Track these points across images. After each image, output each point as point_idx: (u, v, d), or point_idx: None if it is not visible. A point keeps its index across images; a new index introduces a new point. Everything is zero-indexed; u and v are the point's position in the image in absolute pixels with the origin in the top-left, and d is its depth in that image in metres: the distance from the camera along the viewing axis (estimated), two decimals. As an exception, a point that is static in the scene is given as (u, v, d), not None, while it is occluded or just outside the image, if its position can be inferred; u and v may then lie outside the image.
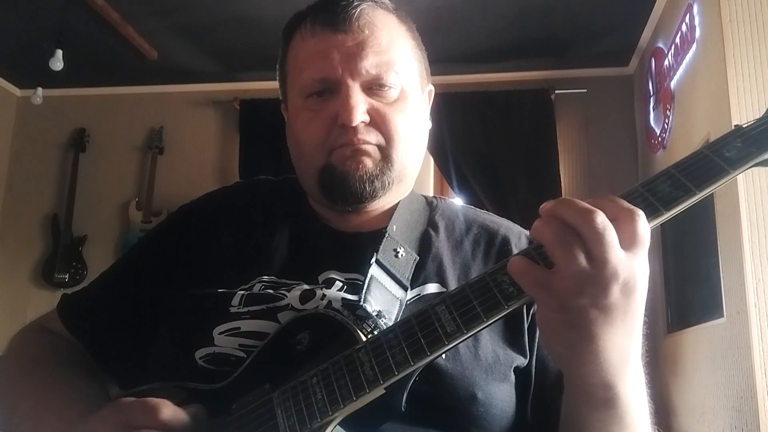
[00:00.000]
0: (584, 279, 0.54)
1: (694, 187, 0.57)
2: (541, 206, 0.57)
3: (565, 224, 0.55)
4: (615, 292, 0.55)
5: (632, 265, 0.55)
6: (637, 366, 0.64)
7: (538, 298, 0.57)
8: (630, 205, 0.56)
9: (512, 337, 0.78)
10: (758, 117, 0.60)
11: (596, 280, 0.54)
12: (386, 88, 0.81)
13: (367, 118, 0.80)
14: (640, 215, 0.55)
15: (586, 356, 0.58)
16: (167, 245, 0.88)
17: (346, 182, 0.80)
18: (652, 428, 0.70)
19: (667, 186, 0.58)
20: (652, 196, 0.57)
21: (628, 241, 0.55)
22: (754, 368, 1.78)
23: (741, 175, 0.59)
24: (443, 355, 0.67)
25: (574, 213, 0.55)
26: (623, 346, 0.59)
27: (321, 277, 0.79)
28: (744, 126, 0.60)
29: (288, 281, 0.79)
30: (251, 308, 0.75)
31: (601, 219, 0.54)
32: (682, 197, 0.57)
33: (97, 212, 3.62)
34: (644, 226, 0.55)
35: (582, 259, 0.53)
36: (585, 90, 3.31)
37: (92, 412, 0.66)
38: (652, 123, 2.92)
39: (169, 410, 0.61)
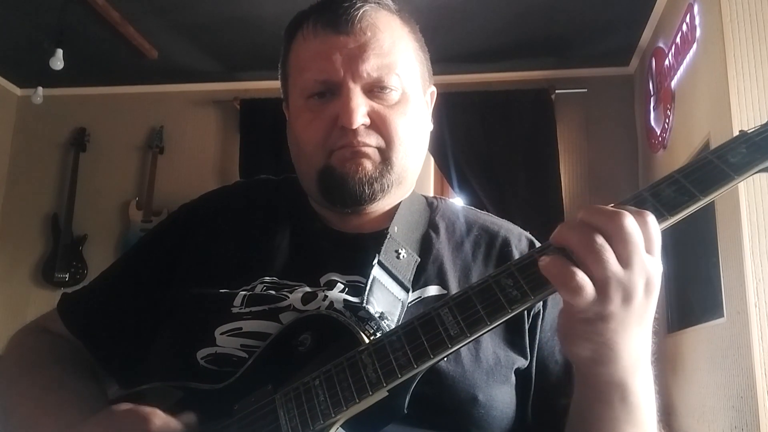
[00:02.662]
0: (615, 281, 0.54)
1: (698, 192, 0.57)
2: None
3: (592, 227, 0.55)
4: (641, 293, 0.55)
5: (653, 265, 0.56)
6: (648, 364, 0.65)
7: (570, 300, 0.56)
8: (638, 209, 0.56)
9: (513, 338, 0.78)
10: (763, 123, 0.60)
11: (626, 281, 0.54)
12: (387, 91, 0.81)
13: (367, 121, 0.79)
14: (651, 217, 0.56)
15: (609, 357, 0.59)
16: (168, 244, 0.88)
17: (345, 184, 0.80)
18: (659, 426, 0.70)
19: (672, 191, 0.58)
20: (657, 201, 0.58)
21: (647, 243, 0.55)
22: (754, 368, 1.78)
23: (742, 176, 0.59)
24: (445, 358, 0.67)
25: (601, 216, 0.55)
26: (639, 345, 0.60)
27: (322, 279, 0.79)
28: (749, 132, 0.60)
29: (290, 282, 0.79)
30: (253, 309, 0.75)
31: (631, 221, 0.54)
32: (686, 203, 0.57)
33: (98, 212, 3.62)
34: (656, 228, 0.56)
35: (614, 262, 0.54)
36: (585, 90, 3.31)
37: (88, 416, 0.66)
38: (652, 123, 2.92)
39: (159, 420, 0.61)
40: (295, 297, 0.76)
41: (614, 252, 0.54)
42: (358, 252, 0.81)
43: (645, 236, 0.55)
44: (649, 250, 0.56)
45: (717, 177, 0.58)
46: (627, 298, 0.55)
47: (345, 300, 0.75)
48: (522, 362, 0.78)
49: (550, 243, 0.58)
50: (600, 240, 0.54)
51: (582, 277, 0.54)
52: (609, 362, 0.60)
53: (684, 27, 2.40)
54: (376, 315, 0.71)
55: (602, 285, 0.54)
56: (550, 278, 0.55)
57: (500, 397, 0.74)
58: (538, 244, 0.85)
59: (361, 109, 0.78)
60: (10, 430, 0.77)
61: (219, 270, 0.82)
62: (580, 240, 0.55)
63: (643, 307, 0.56)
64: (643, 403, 0.65)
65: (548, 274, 0.55)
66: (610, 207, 0.56)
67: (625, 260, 0.54)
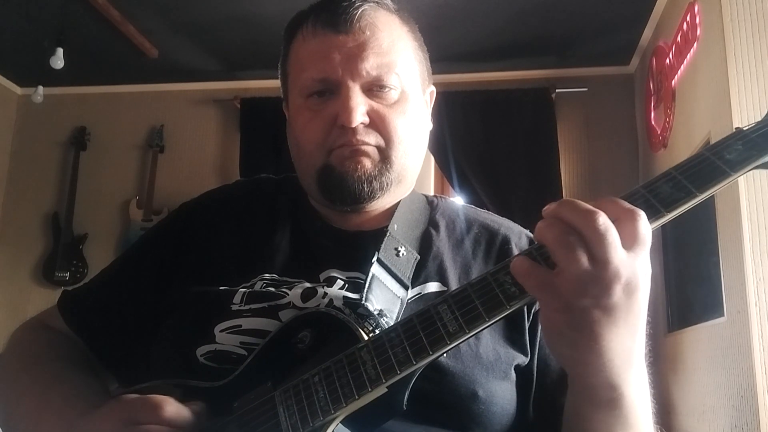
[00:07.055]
0: (587, 279, 0.54)
1: (694, 188, 0.57)
2: (543, 208, 0.57)
3: (567, 226, 0.55)
4: (617, 292, 0.55)
5: (634, 264, 0.55)
6: (641, 366, 0.64)
7: (541, 298, 0.57)
8: (631, 205, 0.56)
9: (513, 335, 0.78)
10: (759, 120, 0.60)
11: (599, 280, 0.54)
12: (386, 90, 0.81)
13: (366, 120, 0.80)
14: (641, 215, 0.55)
15: (590, 356, 0.58)
16: (168, 243, 0.88)
17: (344, 182, 0.80)
18: (655, 428, 0.70)
19: (668, 187, 0.58)
20: (653, 198, 0.58)
21: (629, 241, 0.55)
22: (755, 367, 1.78)
23: (741, 174, 0.59)
24: (444, 354, 0.67)
25: (575, 214, 0.55)
26: (626, 346, 0.59)
27: (322, 276, 0.79)
28: (745, 128, 0.60)
29: (289, 279, 0.79)
30: (253, 306, 0.75)
31: (603, 220, 0.54)
32: (682, 199, 0.57)
33: (98, 211, 3.62)
34: (645, 226, 0.56)
35: (584, 260, 0.54)
36: (586, 89, 3.31)
37: (93, 408, 0.66)
38: (653, 122, 2.92)
39: (172, 407, 0.62)
40: (295, 293, 0.76)
41: (587, 251, 0.54)
42: (358, 249, 0.81)
43: (630, 234, 0.55)
44: (632, 249, 0.55)
45: (713, 173, 0.58)
46: (601, 296, 0.55)
47: (344, 297, 0.76)
48: (522, 359, 0.78)
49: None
50: (571, 238, 0.54)
51: (545, 276, 0.55)
52: (591, 363, 0.59)
53: (684, 26, 2.40)
54: (375, 312, 0.71)
55: (572, 283, 0.54)
56: (517, 278, 0.57)
57: (500, 393, 0.74)
58: (537, 243, 0.86)
59: (360, 107, 0.79)
60: (13, 426, 0.77)
61: (219, 268, 0.82)
62: (553, 237, 0.55)
63: (624, 307, 0.56)
64: (636, 405, 0.65)
65: (515, 275, 0.57)
66: (593, 203, 0.56)
67: (598, 259, 0.54)
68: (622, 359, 0.60)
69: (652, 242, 0.57)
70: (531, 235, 0.90)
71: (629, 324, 0.57)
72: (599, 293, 0.54)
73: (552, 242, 0.55)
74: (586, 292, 0.54)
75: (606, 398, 0.63)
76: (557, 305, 0.56)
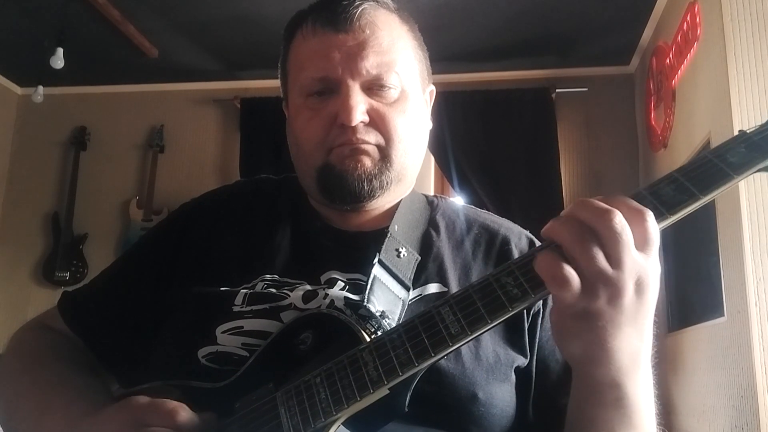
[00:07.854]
0: (601, 278, 0.54)
1: (698, 191, 0.57)
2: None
3: (582, 224, 0.55)
4: (630, 291, 0.55)
5: (645, 264, 0.56)
6: (647, 366, 0.64)
7: (559, 296, 0.56)
8: (639, 205, 0.56)
9: (512, 337, 0.78)
10: (762, 122, 0.60)
11: (613, 279, 0.54)
12: (386, 89, 0.81)
13: (366, 118, 0.80)
14: (650, 215, 0.56)
15: (601, 356, 0.59)
16: (169, 243, 0.88)
17: (344, 181, 0.80)
18: (658, 429, 0.70)
19: (671, 190, 0.58)
20: (657, 200, 0.58)
21: (640, 241, 0.55)
22: (755, 367, 1.78)
23: (742, 175, 0.59)
24: (446, 356, 0.67)
25: (591, 213, 0.55)
26: (634, 346, 0.59)
27: (323, 278, 0.79)
28: (748, 131, 0.60)
29: (290, 280, 0.79)
30: (254, 307, 0.75)
31: (620, 219, 0.54)
32: (686, 201, 0.57)
33: (98, 210, 3.62)
34: (654, 226, 0.56)
35: (601, 259, 0.54)
36: (586, 89, 3.31)
37: (97, 409, 0.66)
38: (653, 122, 2.92)
39: (186, 414, 0.61)
40: (296, 295, 0.76)
41: (602, 250, 0.54)
42: (358, 250, 0.81)
43: (641, 234, 0.55)
44: (643, 249, 0.55)
45: (716, 176, 0.58)
46: (615, 296, 0.55)
47: (346, 298, 0.75)
48: (522, 361, 0.78)
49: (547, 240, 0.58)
50: (588, 236, 0.54)
51: (568, 271, 0.54)
52: (601, 362, 0.59)
53: (685, 26, 2.40)
54: (377, 313, 0.71)
55: (589, 281, 0.54)
56: (538, 271, 0.56)
57: (500, 395, 0.74)
58: (538, 243, 0.86)
59: (360, 106, 0.79)
60: (14, 427, 0.77)
61: (220, 268, 0.82)
62: (569, 235, 0.55)
63: (634, 306, 0.56)
64: (641, 406, 0.65)
65: (537, 268, 0.56)
66: (603, 201, 0.56)
67: (613, 259, 0.54)
68: (630, 359, 0.60)
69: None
70: (531, 235, 0.90)
71: (638, 323, 0.58)
72: (613, 292, 0.55)
73: (568, 240, 0.55)
74: (600, 291, 0.55)
75: (612, 398, 0.63)
76: (572, 304, 0.56)
